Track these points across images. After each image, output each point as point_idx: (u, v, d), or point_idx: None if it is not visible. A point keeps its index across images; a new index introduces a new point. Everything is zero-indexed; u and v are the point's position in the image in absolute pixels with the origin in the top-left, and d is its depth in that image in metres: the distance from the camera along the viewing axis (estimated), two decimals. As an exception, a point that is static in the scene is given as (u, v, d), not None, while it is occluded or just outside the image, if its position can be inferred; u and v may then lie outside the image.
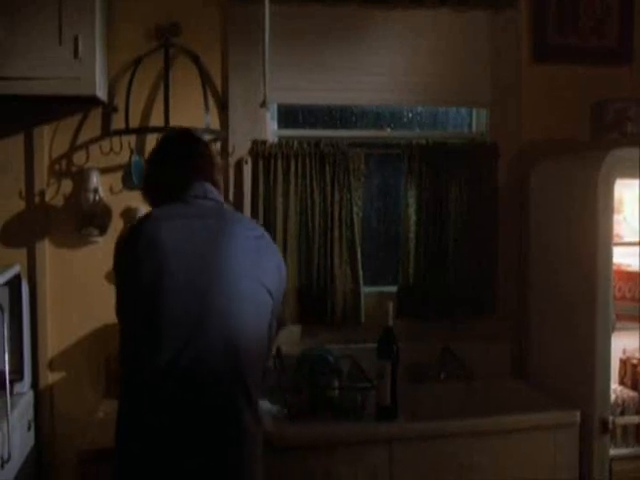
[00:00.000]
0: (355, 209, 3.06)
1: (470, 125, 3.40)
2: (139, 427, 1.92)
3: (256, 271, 2.01)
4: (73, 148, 2.92)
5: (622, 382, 2.93)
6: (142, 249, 1.97)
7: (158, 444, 1.89)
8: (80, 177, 2.90)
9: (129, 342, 1.99)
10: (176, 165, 2.19)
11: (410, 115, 3.35)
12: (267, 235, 2.15)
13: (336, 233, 3.04)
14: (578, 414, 2.72)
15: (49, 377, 2.93)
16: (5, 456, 2.39)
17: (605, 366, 2.70)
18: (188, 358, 1.88)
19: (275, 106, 3.15)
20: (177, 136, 2.35)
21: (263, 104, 2.98)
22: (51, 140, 2.90)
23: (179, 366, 1.87)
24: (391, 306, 2.71)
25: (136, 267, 1.96)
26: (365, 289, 3.09)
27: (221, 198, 2.20)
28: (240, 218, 2.23)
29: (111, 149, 2.90)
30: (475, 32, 3.20)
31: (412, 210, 3.13)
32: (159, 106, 2.90)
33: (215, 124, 2.98)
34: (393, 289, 3.16)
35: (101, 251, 2.92)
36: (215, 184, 2.19)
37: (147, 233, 1.99)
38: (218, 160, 2.32)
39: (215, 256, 1.97)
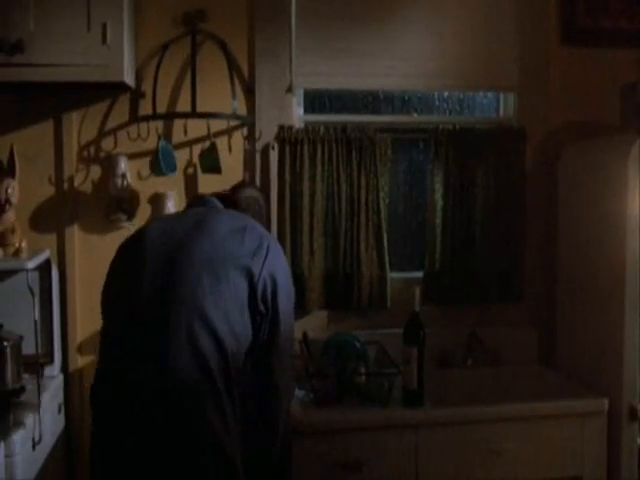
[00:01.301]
0: (381, 194, 3.06)
1: (497, 109, 3.37)
2: (105, 449, 1.94)
3: (230, 255, 1.96)
4: (101, 134, 2.94)
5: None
6: (126, 252, 2.08)
7: (124, 468, 1.88)
8: (108, 163, 2.92)
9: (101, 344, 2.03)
10: None
11: (437, 100, 3.33)
12: (253, 224, 2.10)
13: (362, 218, 3.04)
14: (606, 401, 2.71)
15: (79, 361, 2.97)
16: (37, 438, 2.42)
17: (634, 352, 2.67)
18: (151, 354, 1.87)
19: (301, 91, 3.14)
20: None
21: (289, 89, 3.00)
22: (80, 126, 2.92)
23: (142, 367, 1.87)
24: (418, 291, 2.71)
25: (118, 267, 2.07)
26: (391, 274, 3.09)
27: (220, 205, 2.23)
28: (226, 212, 2.19)
29: (139, 135, 2.91)
30: (502, 16, 3.16)
31: (439, 195, 3.11)
32: (186, 92, 2.91)
33: (242, 110, 2.98)
34: (419, 275, 3.16)
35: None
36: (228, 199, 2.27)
37: (133, 238, 2.10)
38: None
39: (187, 249, 1.96)
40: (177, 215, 2.22)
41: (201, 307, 1.88)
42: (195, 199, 2.30)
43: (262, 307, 1.97)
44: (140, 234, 2.08)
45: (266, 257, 1.99)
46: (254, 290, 1.95)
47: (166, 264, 1.95)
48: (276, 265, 2.03)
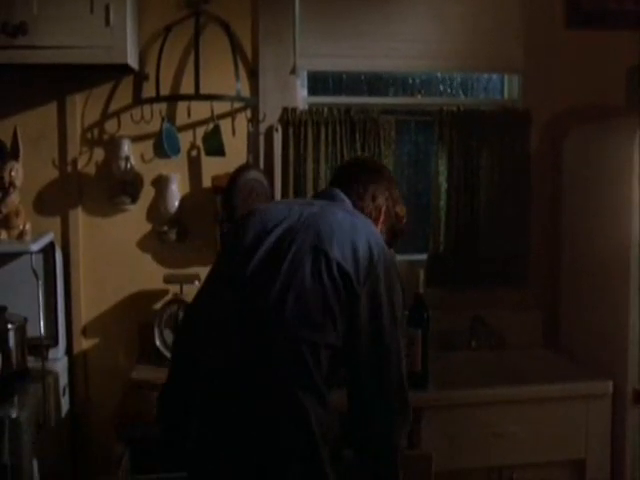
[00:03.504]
0: (385, 177, 3.05)
1: (502, 91, 3.35)
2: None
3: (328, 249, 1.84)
4: (105, 116, 2.93)
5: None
6: (243, 222, 1.99)
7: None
8: (112, 145, 2.91)
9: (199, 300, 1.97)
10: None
11: (441, 81, 3.31)
12: (361, 220, 1.99)
13: (366, 201, 3.03)
14: (611, 384, 2.71)
15: (83, 343, 2.97)
16: (41, 420, 2.44)
17: (638, 335, 2.67)
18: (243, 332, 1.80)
19: (305, 73, 3.13)
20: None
21: (293, 71, 2.98)
22: (83, 109, 2.91)
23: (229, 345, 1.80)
24: (422, 273, 2.71)
25: (233, 234, 2.00)
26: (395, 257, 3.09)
27: (349, 203, 2.08)
28: (341, 205, 2.06)
29: (142, 117, 2.90)
30: (507, -3, 3.15)
31: (443, 178, 3.10)
32: (189, 74, 2.90)
33: (245, 91, 2.97)
34: (423, 257, 3.15)
35: (133, 219, 2.95)
36: (360, 197, 2.11)
37: (253, 212, 2.01)
38: (384, 182, 2.24)
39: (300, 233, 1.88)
40: (293, 204, 2.05)
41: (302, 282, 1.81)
42: (328, 189, 2.15)
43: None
44: (250, 215, 2.01)
45: (357, 254, 1.88)
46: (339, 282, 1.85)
47: (278, 242, 1.87)
48: (369, 256, 1.91)
